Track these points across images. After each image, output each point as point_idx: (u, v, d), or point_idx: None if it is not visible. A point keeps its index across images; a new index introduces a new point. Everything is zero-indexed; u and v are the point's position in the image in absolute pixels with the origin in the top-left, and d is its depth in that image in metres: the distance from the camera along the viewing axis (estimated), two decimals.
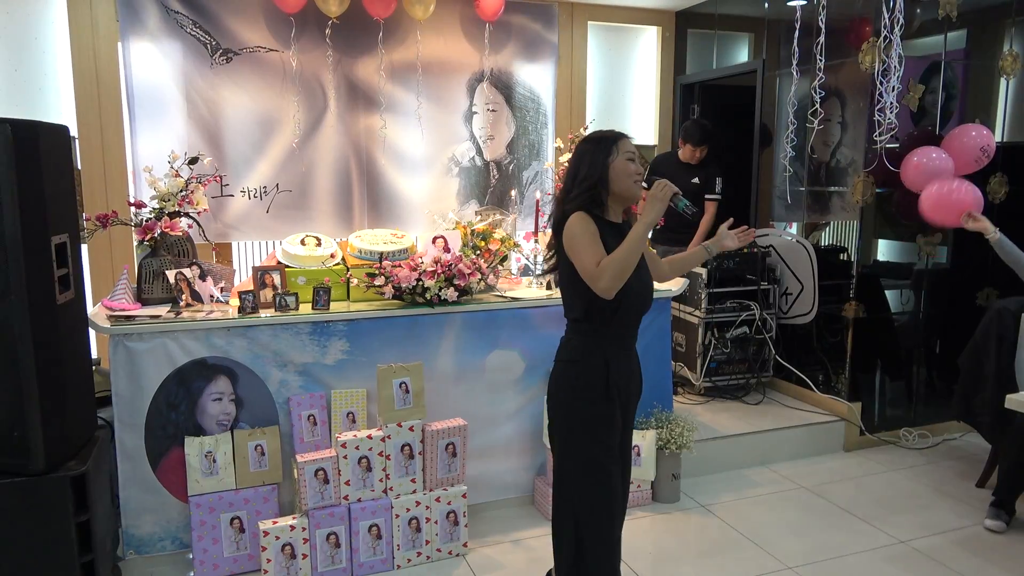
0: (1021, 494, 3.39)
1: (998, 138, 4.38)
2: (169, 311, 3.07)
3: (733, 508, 3.52)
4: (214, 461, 2.97)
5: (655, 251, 2.63)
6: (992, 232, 3.59)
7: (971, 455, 4.17)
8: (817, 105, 3.79)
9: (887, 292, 4.48)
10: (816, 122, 3.82)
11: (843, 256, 4.45)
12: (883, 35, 3.44)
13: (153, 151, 4.28)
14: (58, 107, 4.25)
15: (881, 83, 3.50)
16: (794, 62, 3.89)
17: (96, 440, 2.70)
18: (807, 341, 4.58)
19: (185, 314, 3.04)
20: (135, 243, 4.46)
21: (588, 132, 2.43)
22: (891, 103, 3.27)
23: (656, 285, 2.43)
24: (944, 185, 3.75)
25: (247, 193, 4.60)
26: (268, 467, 3.05)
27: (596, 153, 2.17)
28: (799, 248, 4.57)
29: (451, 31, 4.89)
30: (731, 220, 2.62)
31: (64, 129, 2.56)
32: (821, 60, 3.70)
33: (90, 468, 2.51)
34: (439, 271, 3.22)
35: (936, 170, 3.87)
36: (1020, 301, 3.74)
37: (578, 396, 2.20)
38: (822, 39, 3.67)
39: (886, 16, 3.29)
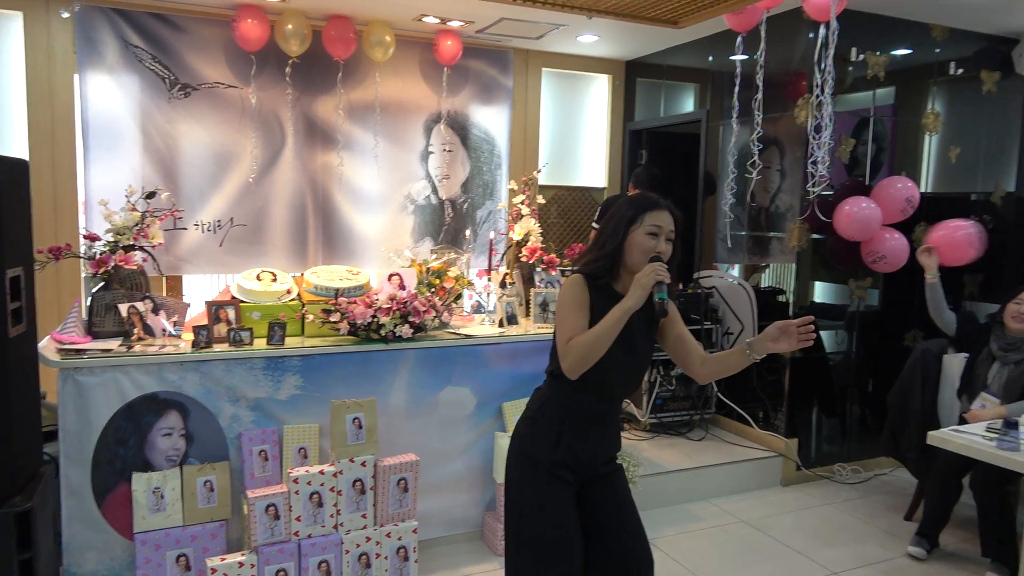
0: (944, 527, 3.57)
1: (922, 189, 4.68)
2: (121, 345, 3.06)
3: (676, 542, 3.62)
4: (162, 497, 2.95)
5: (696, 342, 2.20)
6: (934, 275, 3.86)
7: (900, 489, 4.37)
8: (756, 156, 4.02)
9: (822, 332, 4.71)
10: (755, 172, 4.03)
11: (781, 298, 4.67)
12: (815, 93, 3.69)
13: (107, 183, 4.27)
14: (11, 136, 4.22)
15: (814, 137, 3.74)
16: (735, 113, 4.12)
17: (41, 476, 2.66)
18: (747, 379, 4.76)
19: (137, 348, 3.04)
20: (83, 276, 4.43)
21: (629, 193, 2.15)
22: (822, 157, 3.50)
23: None
24: (950, 225, 4.03)
25: (201, 227, 4.60)
26: (217, 503, 3.04)
27: (621, 220, 2.05)
28: (740, 290, 4.77)
29: (409, 73, 5.03)
30: (806, 319, 1.95)
31: (24, 164, 2.57)
32: (759, 114, 3.93)
33: (35, 505, 2.48)
34: (394, 308, 3.29)
35: (866, 219, 4.13)
36: (942, 343, 3.99)
37: (526, 455, 2.08)
38: (759, 95, 3.91)
39: (818, 76, 3.54)
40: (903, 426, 3.92)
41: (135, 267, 3.31)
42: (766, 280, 4.88)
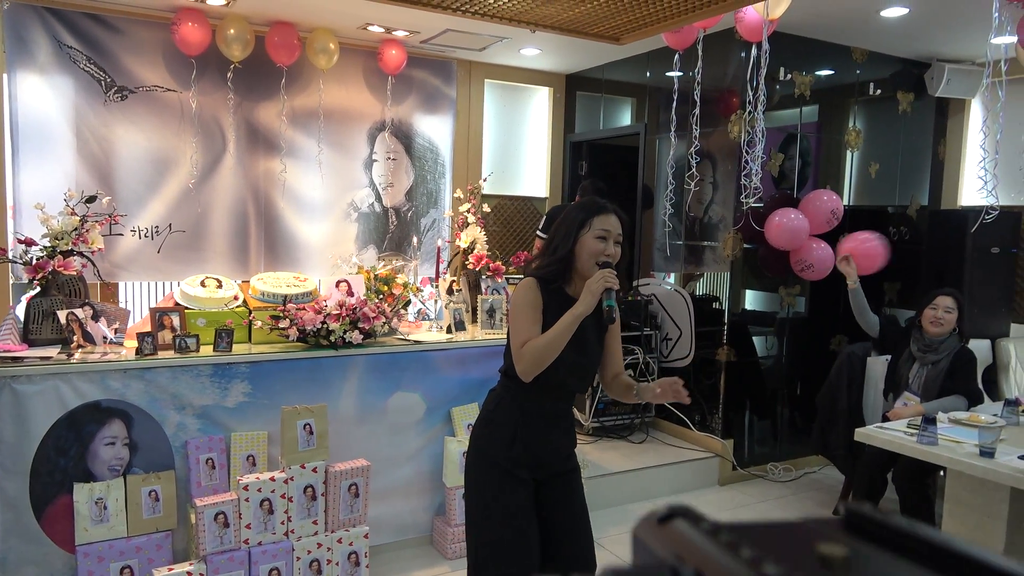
0: None
1: (845, 202, 4.97)
2: (60, 352, 2.98)
3: (619, 540, 3.73)
4: (105, 508, 2.87)
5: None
6: (854, 282, 4.09)
7: (828, 486, 4.61)
8: (693, 168, 4.19)
9: (754, 338, 4.93)
10: (692, 184, 4.21)
11: (716, 304, 4.87)
12: (748, 109, 3.88)
13: (37, 187, 4.13)
14: None
15: (747, 151, 3.94)
16: (672, 127, 4.30)
17: None
18: (685, 383, 4.91)
19: (77, 356, 2.96)
20: (11, 282, 4.26)
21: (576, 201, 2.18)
22: (756, 170, 3.69)
23: None
24: (855, 240, 4.26)
25: (138, 232, 4.49)
26: (162, 513, 2.98)
27: (571, 225, 2.10)
28: (678, 296, 4.95)
29: (354, 81, 5.04)
30: (680, 381, 2.16)
31: None
32: (696, 128, 4.11)
33: None
34: (344, 314, 3.30)
35: (794, 229, 4.36)
36: (866, 347, 4.24)
37: (482, 454, 2.15)
38: (697, 110, 4.09)
39: (750, 93, 3.73)
40: (831, 425, 4.14)
41: (74, 272, 3.22)
42: (701, 288, 5.08)
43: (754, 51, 3.76)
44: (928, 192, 5.39)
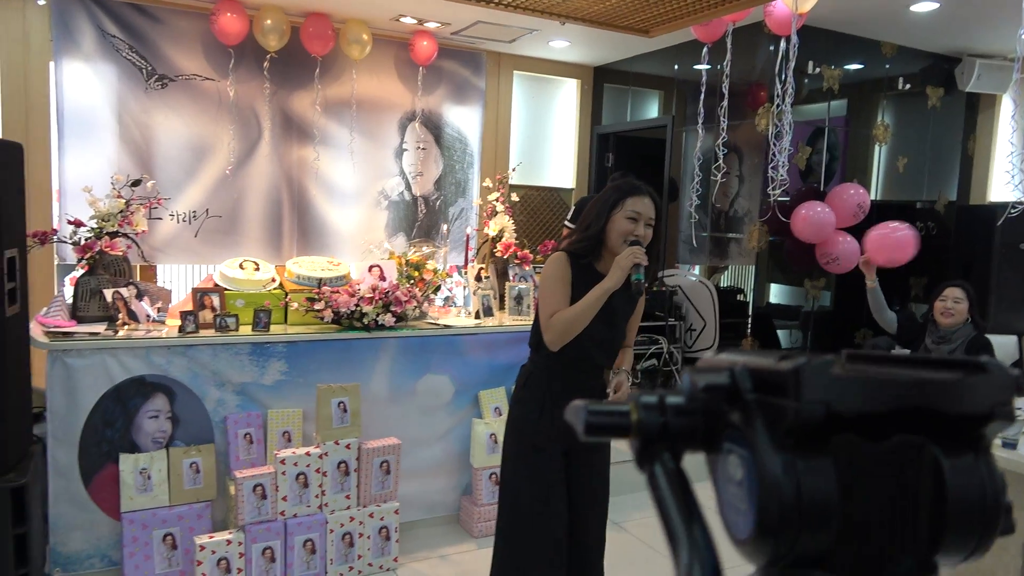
0: None
1: (873, 196, 4.98)
2: (106, 329, 3.11)
3: (643, 524, 3.80)
4: (149, 478, 3.00)
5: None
6: (873, 281, 4.10)
7: None
8: (720, 160, 4.24)
9: (779, 331, 4.96)
10: (719, 175, 4.26)
11: (740, 297, 4.91)
12: (776, 103, 3.92)
13: (81, 171, 4.28)
14: None
15: (774, 144, 3.98)
16: (700, 120, 4.35)
17: (32, 454, 2.71)
18: None
19: (122, 333, 3.08)
20: (56, 263, 4.42)
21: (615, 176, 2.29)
22: (783, 162, 3.74)
23: None
24: (884, 229, 4.25)
25: (176, 217, 4.63)
26: (203, 484, 3.10)
27: (604, 203, 2.17)
28: (702, 288, 5.00)
29: (386, 72, 5.13)
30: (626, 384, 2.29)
31: (18, 147, 2.62)
32: (724, 121, 4.16)
33: (29, 481, 2.53)
34: (377, 297, 3.40)
35: (821, 222, 4.39)
36: (888, 341, 4.27)
37: (515, 428, 2.24)
38: (725, 103, 4.13)
39: (779, 86, 3.77)
40: None
41: (120, 253, 3.35)
42: (725, 280, 5.12)
43: (783, 45, 3.79)
44: (956, 187, 5.38)
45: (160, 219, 4.55)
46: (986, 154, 5.34)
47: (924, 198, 5.28)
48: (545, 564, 2.18)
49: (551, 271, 2.18)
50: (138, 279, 4.41)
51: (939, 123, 5.22)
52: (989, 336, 3.86)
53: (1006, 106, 5.24)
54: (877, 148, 5.04)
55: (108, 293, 3.22)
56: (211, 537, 2.89)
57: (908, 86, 5.04)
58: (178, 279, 5.04)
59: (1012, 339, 4.71)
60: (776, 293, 4.98)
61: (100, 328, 3.11)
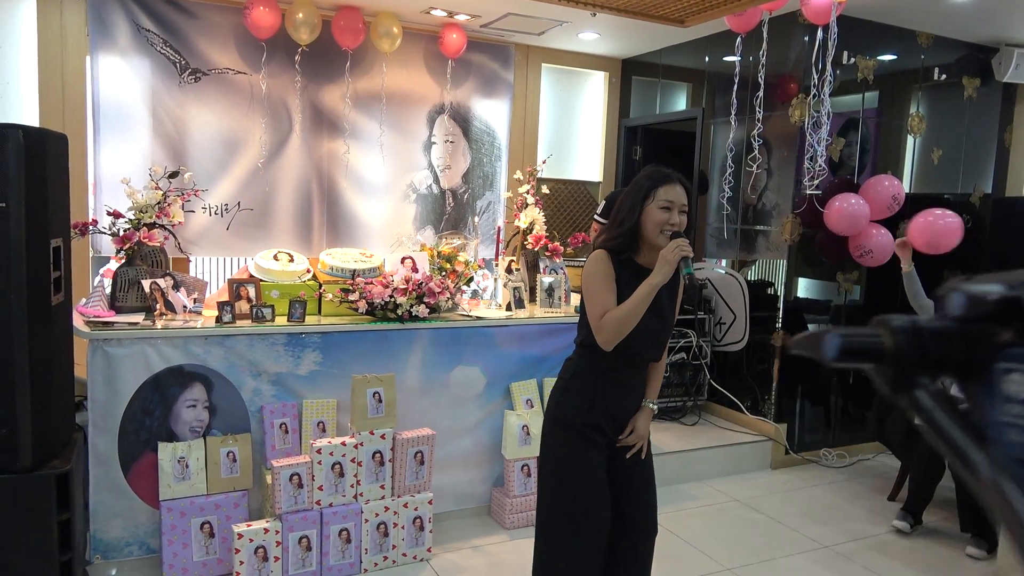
0: (927, 505, 3.78)
1: (906, 188, 4.91)
2: (145, 319, 3.14)
3: (674, 518, 3.79)
4: (186, 467, 3.03)
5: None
6: (909, 264, 4.03)
7: (883, 473, 4.59)
8: (756, 150, 4.20)
9: (809, 324, 4.91)
10: (755, 166, 4.22)
11: (770, 290, 4.86)
12: (812, 92, 3.87)
13: (116, 164, 4.33)
14: (21, 115, 4.25)
15: (811, 135, 3.94)
16: (732, 111, 4.30)
17: (74, 442, 2.75)
18: (738, 367, 4.95)
19: (159, 323, 3.12)
20: (91, 255, 4.48)
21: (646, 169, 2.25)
22: (821, 152, 3.70)
23: None
24: (930, 215, 4.20)
25: (208, 210, 4.67)
26: (239, 473, 3.13)
27: (636, 195, 2.16)
28: (732, 281, 4.96)
29: (415, 65, 5.14)
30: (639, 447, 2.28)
31: (64, 138, 2.65)
32: (760, 111, 4.11)
33: (73, 467, 2.57)
34: (411, 289, 3.41)
35: (855, 215, 4.33)
36: None
37: (560, 420, 2.22)
38: (760, 93, 4.09)
39: (815, 76, 3.73)
40: (888, 411, 4.12)
41: (157, 244, 3.39)
42: (753, 274, 5.07)
43: (820, 34, 3.74)
44: (992, 180, 5.29)
45: (193, 212, 4.58)
46: (1023, 146, 5.24)
47: (959, 191, 5.19)
48: (587, 559, 2.17)
49: (594, 270, 2.16)
50: (186, 270, 4.47)
51: (975, 114, 5.13)
52: None
53: None
54: (911, 140, 4.96)
55: (146, 284, 3.25)
56: (249, 526, 2.92)
57: (944, 76, 4.96)
58: (210, 272, 5.08)
59: None
60: (807, 285, 4.93)
61: (138, 318, 3.14)
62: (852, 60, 4.55)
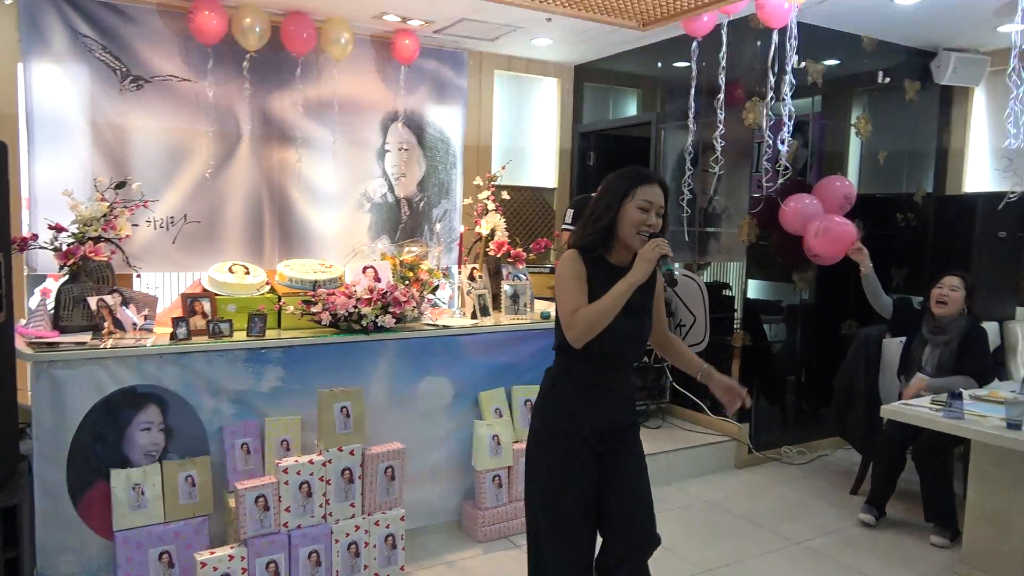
0: (891, 497, 3.85)
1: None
2: (92, 339, 2.96)
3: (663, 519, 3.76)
4: (142, 494, 2.86)
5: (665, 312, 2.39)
6: (867, 267, 4.13)
7: (842, 468, 4.67)
8: (719, 152, 4.23)
9: (765, 325, 4.98)
10: (717, 168, 4.25)
11: (726, 291, 4.91)
12: (769, 95, 3.93)
13: (53, 177, 4.10)
14: None
15: (770, 136, 4.00)
16: (690, 115, 4.34)
17: (19, 473, 2.56)
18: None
19: (109, 342, 2.94)
20: (25, 274, 4.22)
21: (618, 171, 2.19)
22: (785, 152, 3.76)
23: None
24: (825, 221, 4.29)
25: (153, 223, 4.47)
26: (199, 498, 2.97)
27: (615, 192, 2.12)
28: (691, 283, 4.98)
29: (367, 71, 5.03)
30: (745, 392, 2.26)
31: (3, 146, 2.48)
32: (721, 113, 4.15)
33: (19, 501, 2.39)
34: (375, 299, 3.31)
35: (810, 214, 4.41)
36: (881, 329, 4.31)
37: (542, 432, 2.18)
38: (722, 95, 4.13)
39: (771, 78, 3.78)
40: (849, 407, 4.20)
41: (104, 259, 3.21)
42: (708, 275, 5.12)
43: (775, 37, 3.81)
44: (933, 179, 5.47)
45: (137, 225, 4.37)
46: (960, 146, 5.44)
47: (904, 190, 5.35)
48: (581, 570, 2.13)
49: (566, 269, 2.11)
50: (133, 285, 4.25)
51: (916, 116, 5.30)
52: None
53: (979, 99, 5.34)
54: (858, 141, 5.09)
55: (92, 301, 3.07)
56: (212, 553, 2.76)
57: (887, 80, 5.11)
58: (155, 287, 4.84)
59: (994, 326, 4.79)
60: (763, 286, 4.99)
61: (86, 338, 2.96)
62: (803, 64, 4.64)
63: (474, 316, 3.79)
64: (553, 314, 2.20)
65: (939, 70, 5.04)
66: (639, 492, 2.24)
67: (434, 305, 3.94)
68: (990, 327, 4.72)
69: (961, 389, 3.39)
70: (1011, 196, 3.54)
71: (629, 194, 2.10)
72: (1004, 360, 4.69)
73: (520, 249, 4.13)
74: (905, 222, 5.31)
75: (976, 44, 5.03)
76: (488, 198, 4.23)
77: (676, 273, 2.08)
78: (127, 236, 3.34)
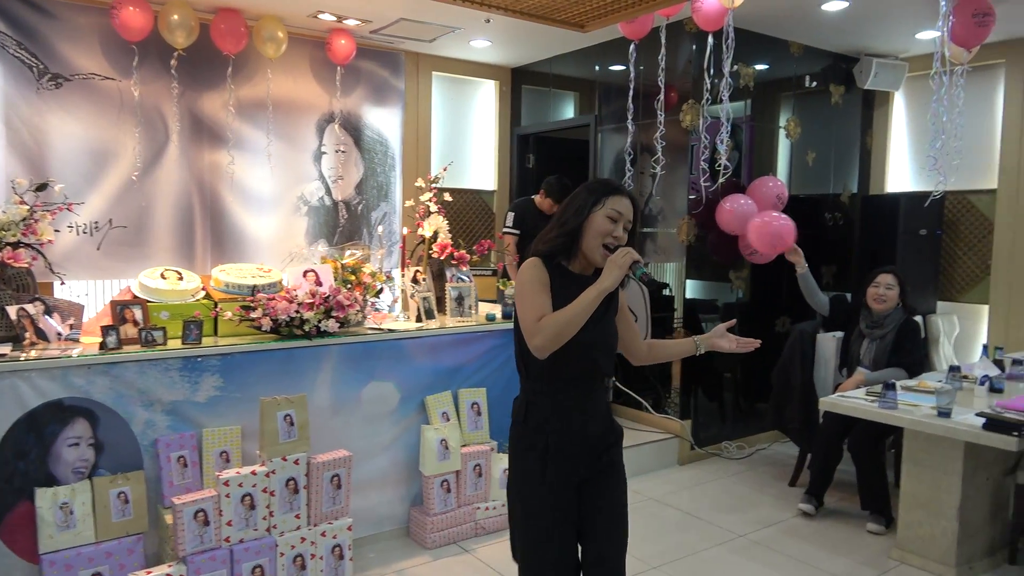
0: (828, 488, 3.98)
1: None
2: (13, 350, 2.78)
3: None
4: (71, 513, 2.70)
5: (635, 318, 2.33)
6: (803, 267, 4.25)
7: (780, 461, 4.80)
8: (660, 153, 4.29)
9: (703, 323, 5.08)
10: (659, 169, 4.31)
11: (666, 291, 4.99)
12: (705, 97, 4.01)
13: None
14: None
15: (705, 138, 4.08)
16: (628, 116, 4.39)
17: None
18: (641, 367, 5.03)
19: (31, 353, 2.77)
20: None
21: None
22: (724, 152, 3.84)
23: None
24: (765, 216, 4.40)
25: (75, 228, 4.25)
26: (133, 516, 2.82)
27: (585, 199, 2.05)
28: (632, 283, 5.04)
29: (302, 72, 4.92)
30: (733, 322, 2.29)
31: None
32: (661, 115, 4.21)
33: None
34: (317, 303, 3.22)
35: (745, 214, 4.52)
36: (815, 324, 4.45)
37: (520, 459, 2.09)
38: (661, 96, 4.19)
39: (707, 81, 3.86)
40: (786, 400, 4.31)
41: (24, 266, 3.02)
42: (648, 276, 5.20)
43: (711, 40, 3.89)
44: (858, 179, 5.70)
45: (59, 231, 4.13)
46: (882, 148, 5.68)
47: (831, 191, 5.55)
48: None
49: (528, 276, 2.03)
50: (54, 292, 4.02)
51: (841, 119, 5.51)
52: None
53: (899, 103, 5.60)
54: (787, 143, 5.25)
55: (12, 310, 2.89)
56: (148, 573, 2.63)
57: (814, 84, 5.29)
58: (80, 295, 4.60)
59: (917, 319, 5.01)
60: (700, 286, 5.09)
61: (6, 349, 2.78)
62: (735, 67, 4.76)
63: (419, 319, 3.73)
64: (514, 327, 2.08)
65: (861, 75, 5.26)
66: (615, 536, 2.15)
67: (376, 309, 3.86)
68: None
69: (894, 380, 3.53)
70: (936, 194, 3.70)
71: (600, 202, 2.04)
72: (927, 351, 4.92)
73: (464, 251, 4.09)
74: (833, 221, 5.51)
75: (896, 50, 5.26)
76: (430, 200, 4.18)
77: (648, 275, 2.00)
78: (49, 241, 3.16)
